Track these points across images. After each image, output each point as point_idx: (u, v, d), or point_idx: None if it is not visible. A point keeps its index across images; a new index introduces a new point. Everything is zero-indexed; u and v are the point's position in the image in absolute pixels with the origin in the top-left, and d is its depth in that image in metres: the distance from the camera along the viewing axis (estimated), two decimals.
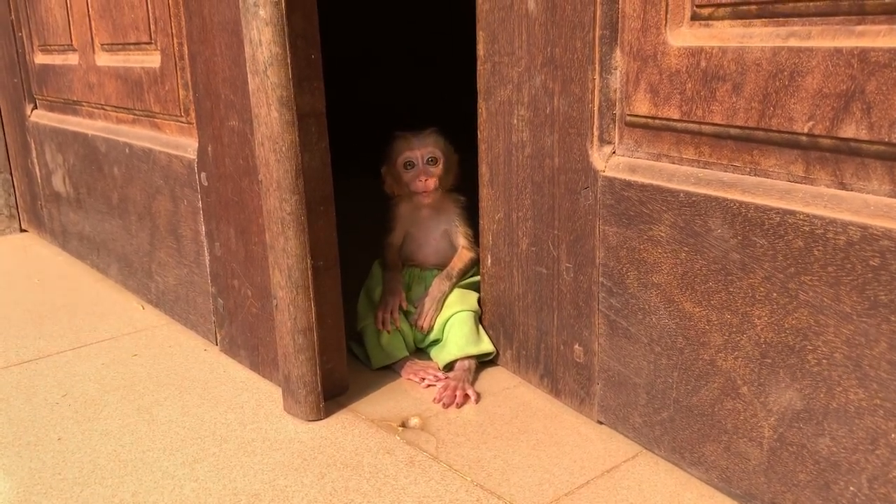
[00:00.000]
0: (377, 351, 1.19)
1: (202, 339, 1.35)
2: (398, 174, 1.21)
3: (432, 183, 1.18)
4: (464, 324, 1.17)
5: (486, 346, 1.16)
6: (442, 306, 1.21)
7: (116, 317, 1.48)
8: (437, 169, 1.20)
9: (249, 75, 0.97)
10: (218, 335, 1.29)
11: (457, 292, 1.22)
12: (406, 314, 1.23)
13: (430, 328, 1.21)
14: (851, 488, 0.71)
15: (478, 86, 1.10)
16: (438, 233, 1.26)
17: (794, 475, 0.76)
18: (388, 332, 1.20)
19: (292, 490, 0.89)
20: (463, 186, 1.26)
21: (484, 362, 1.19)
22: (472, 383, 1.12)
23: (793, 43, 0.70)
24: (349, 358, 1.16)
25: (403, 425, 1.03)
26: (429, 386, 1.13)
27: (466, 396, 1.08)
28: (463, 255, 1.24)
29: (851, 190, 0.69)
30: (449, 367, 1.16)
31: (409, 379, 1.15)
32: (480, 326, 1.19)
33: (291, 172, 0.97)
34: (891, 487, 0.68)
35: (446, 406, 1.07)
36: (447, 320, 1.19)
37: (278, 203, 0.99)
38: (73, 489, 0.92)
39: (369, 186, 1.32)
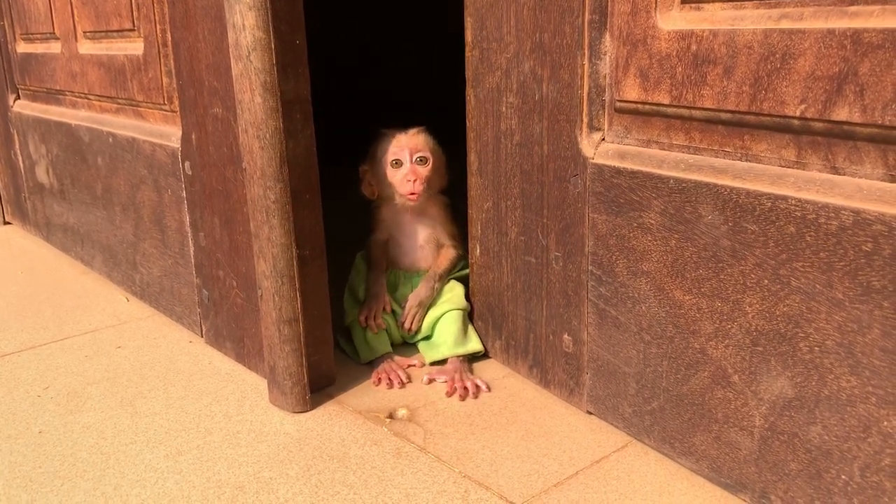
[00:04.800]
0: (364, 346, 1.17)
1: (187, 331, 1.33)
2: (383, 173, 1.16)
3: (420, 184, 1.13)
4: (452, 323, 1.15)
5: (474, 345, 1.15)
6: (428, 309, 1.19)
7: (101, 309, 1.46)
8: (427, 169, 1.15)
9: (233, 61, 0.95)
10: (203, 327, 1.27)
11: (445, 286, 1.20)
12: (393, 313, 1.20)
13: (417, 329, 1.19)
14: (843, 477, 0.70)
15: (466, 73, 1.09)
16: (423, 237, 1.22)
17: (785, 464, 0.75)
18: (373, 331, 1.17)
19: (277, 482, 0.88)
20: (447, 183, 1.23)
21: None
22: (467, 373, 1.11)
23: (784, 25, 0.68)
24: (336, 349, 1.15)
25: (391, 417, 1.02)
26: (389, 387, 1.10)
27: (477, 387, 1.07)
28: (448, 254, 1.22)
29: (844, 174, 0.68)
30: (437, 361, 1.15)
31: (375, 383, 1.11)
32: (470, 325, 1.18)
33: (276, 160, 0.95)
34: (883, 475, 0.67)
35: (462, 398, 1.05)
36: (437, 319, 1.17)
37: (263, 191, 0.97)
38: (54, 482, 0.90)
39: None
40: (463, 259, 1.22)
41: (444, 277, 1.21)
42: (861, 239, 0.65)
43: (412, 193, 1.14)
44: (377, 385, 1.10)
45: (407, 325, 1.18)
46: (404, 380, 1.10)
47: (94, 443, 0.98)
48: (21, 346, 1.30)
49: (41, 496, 0.87)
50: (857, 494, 0.69)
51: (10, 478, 0.91)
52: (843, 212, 0.66)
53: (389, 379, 1.10)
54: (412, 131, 1.17)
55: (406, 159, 1.15)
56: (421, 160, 1.15)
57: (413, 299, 1.18)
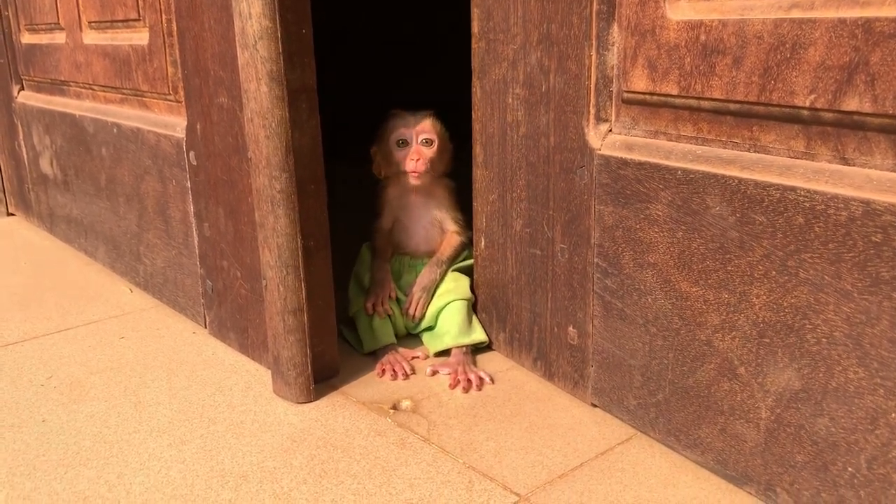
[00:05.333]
0: (368, 336, 1.17)
1: (191, 322, 1.33)
2: (389, 152, 1.18)
3: (423, 163, 1.16)
4: (457, 313, 1.15)
5: (478, 335, 1.15)
6: (433, 295, 1.19)
7: (104, 300, 1.46)
8: (431, 150, 1.17)
9: (239, 49, 0.95)
10: (207, 317, 1.27)
11: (450, 277, 1.21)
12: (397, 301, 1.21)
13: (422, 317, 1.19)
14: (850, 469, 0.70)
15: (472, 64, 1.08)
16: (428, 220, 1.23)
17: (791, 456, 0.75)
18: (381, 317, 1.18)
19: (281, 472, 0.88)
20: (451, 173, 1.23)
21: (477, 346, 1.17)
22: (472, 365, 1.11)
23: (795, 14, 0.68)
24: (340, 340, 1.15)
25: (395, 408, 1.02)
26: (393, 379, 1.10)
27: (481, 379, 1.07)
28: (452, 240, 1.22)
29: (854, 165, 0.67)
30: (441, 352, 1.15)
31: (379, 374, 1.11)
32: (474, 315, 1.17)
33: (281, 149, 0.95)
34: (890, 468, 0.67)
35: (466, 390, 1.05)
36: (441, 309, 1.17)
37: (268, 181, 0.97)
38: (58, 470, 0.90)
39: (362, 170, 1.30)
40: (467, 247, 1.22)
41: (449, 263, 1.21)
42: (870, 230, 0.65)
43: (414, 171, 1.16)
44: (381, 376, 1.10)
45: (412, 312, 1.18)
46: (408, 371, 1.10)
47: (98, 431, 0.98)
48: (24, 335, 1.30)
49: (45, 484, 0.87)
50: (863, 487, 0.69)
51: (13, 466, 0.91)
52: (852, 202, 0.66)
53: (394, 370, 1.10)
54: (420, 114, 1.18)
55: (412, 140, 1.17)
56: (426, 142, 1.17)
57: (418, 285, 1.19)
